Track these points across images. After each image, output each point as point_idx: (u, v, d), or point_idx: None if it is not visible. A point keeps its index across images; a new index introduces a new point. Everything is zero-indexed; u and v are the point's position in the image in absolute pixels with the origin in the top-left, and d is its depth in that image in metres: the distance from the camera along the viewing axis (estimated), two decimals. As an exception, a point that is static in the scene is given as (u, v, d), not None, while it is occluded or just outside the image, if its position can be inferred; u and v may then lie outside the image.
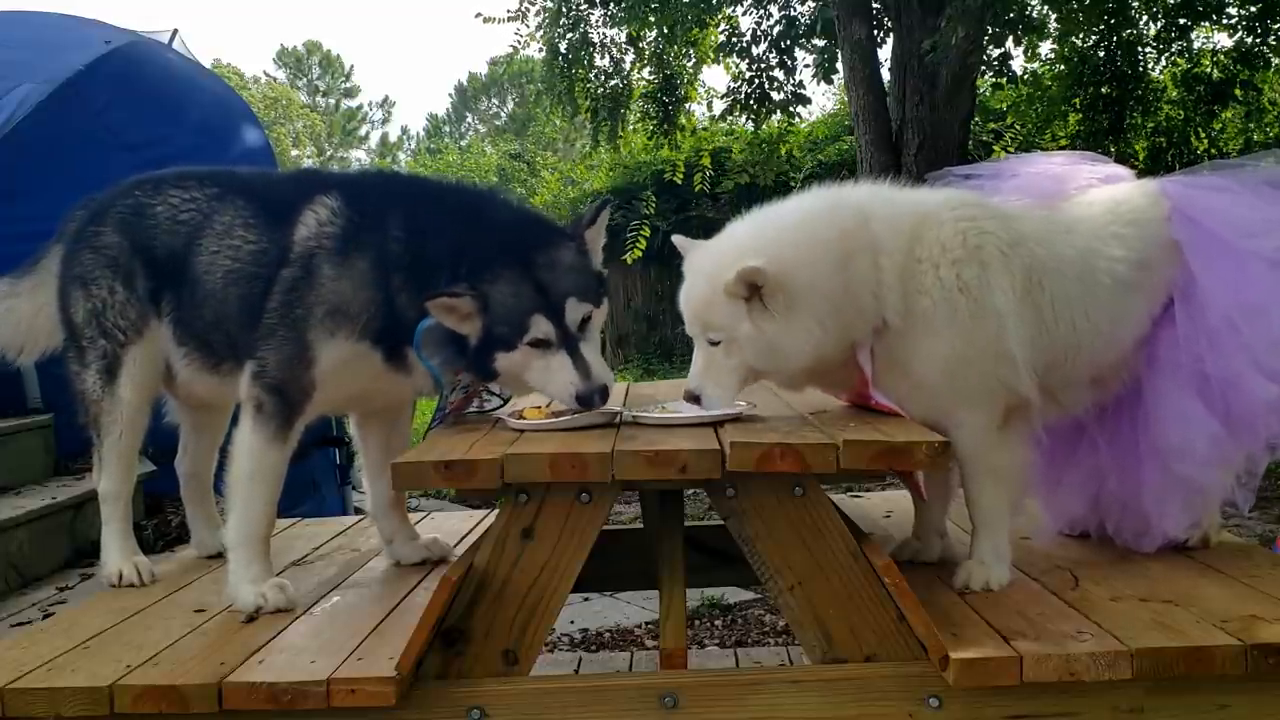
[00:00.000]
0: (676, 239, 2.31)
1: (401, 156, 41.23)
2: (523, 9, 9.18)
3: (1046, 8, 8.39)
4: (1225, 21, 9.20)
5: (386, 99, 48.23)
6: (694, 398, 2.15)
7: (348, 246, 2.23)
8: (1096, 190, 2.38)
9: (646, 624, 3.96)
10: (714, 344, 2.12)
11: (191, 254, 2.38)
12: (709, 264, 2.13)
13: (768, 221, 2.19)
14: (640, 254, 11.32)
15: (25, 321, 2.62)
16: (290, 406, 2.22)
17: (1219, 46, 10.06)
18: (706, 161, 12.00)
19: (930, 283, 2.12)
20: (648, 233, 10.99)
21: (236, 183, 2.47)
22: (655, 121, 9.62)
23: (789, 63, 9.31)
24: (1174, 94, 10.36)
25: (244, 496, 2.23)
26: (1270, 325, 2.19)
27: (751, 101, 9.35)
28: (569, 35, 9.12)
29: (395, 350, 2.24)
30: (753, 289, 2.04)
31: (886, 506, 2.93)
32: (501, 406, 2.47)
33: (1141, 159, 10.17)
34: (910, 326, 2.12)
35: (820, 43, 9.10)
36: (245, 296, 2.29)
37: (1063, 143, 10.68)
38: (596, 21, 9.24)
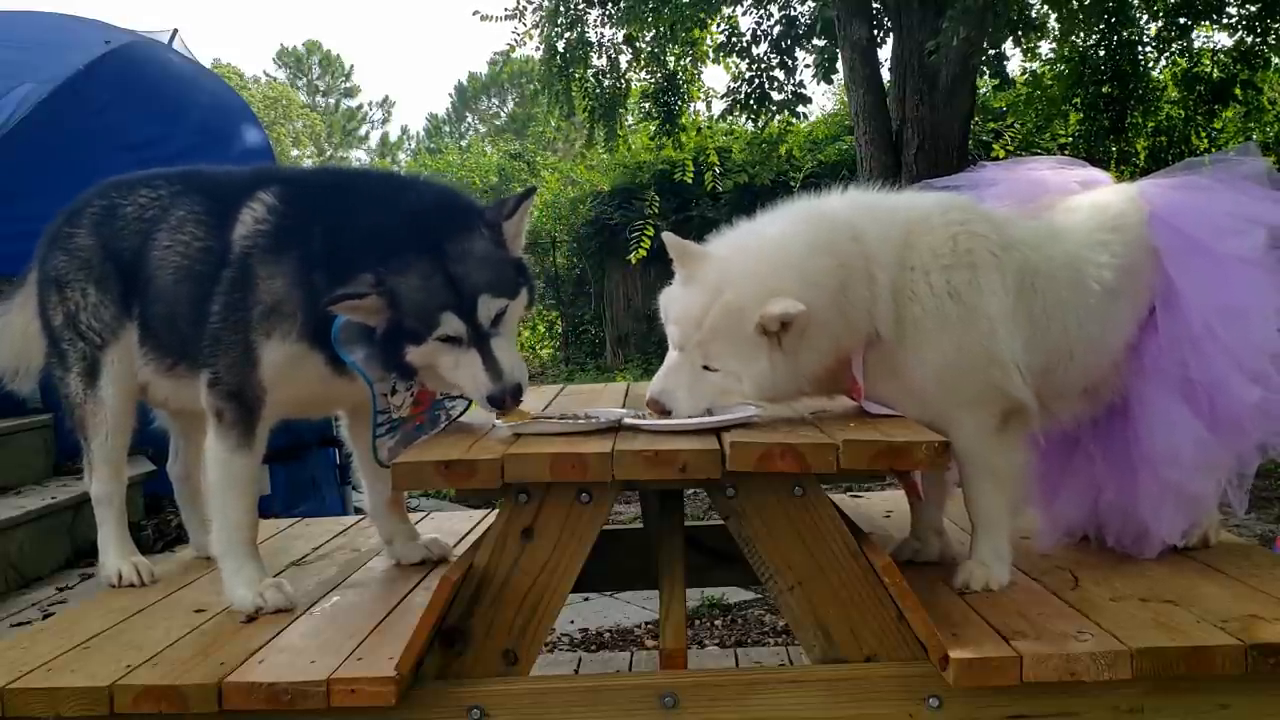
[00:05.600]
0: (668, 238, 2.18)
1: (401, 156, 41.27)
2: (520, 7, 9.17)
3: (1046, 8, 8.39)
4: (1225, 21, 9.20)
5: (386, 99, 48.35)
6: (663, 409, 2.09)
7: (277, 244, 2.19)
8: (1078, 196, 2.38)
9: (646, 624, 3.96)
10: (708, 368, 2.08)
11: (149, 250, 2.36)
12: (730, 294, 2.05)
13: (775, 253, 2.10)
14: (644, 253, 11.32)
15: (19, 338, 2.60)
16: (248, 411, 2.20)
17: (1219, 46, 10.07)
18: (714, 159, 12.00)
19: (921, 290, 2.11)
20: (651, 232, 10.98)
21: (197, 180, 2.44)
22: (658, 121, 9.61)
23: (789, 63, 9.31)
24: (1174, 93, 10.36)
25: (221, 505, 2.23)
26: (1250, 327, 2.19)
27: (751, 101, 9.35)
28: (566, 34, 9.11)
29: (336, 354, 2.18)
30: (782, 327, 2.02)
31: (886, 506, 2.93)
32: (467, 409, 2.39)
33: (1142, 158, 10.17)
34: (902, 334, 2.12)
35: (820, 43, 9.10)
36: (192, 296, 2.27)
37: (1063, 141, 10.68)
38: (594, 21, 9.24)
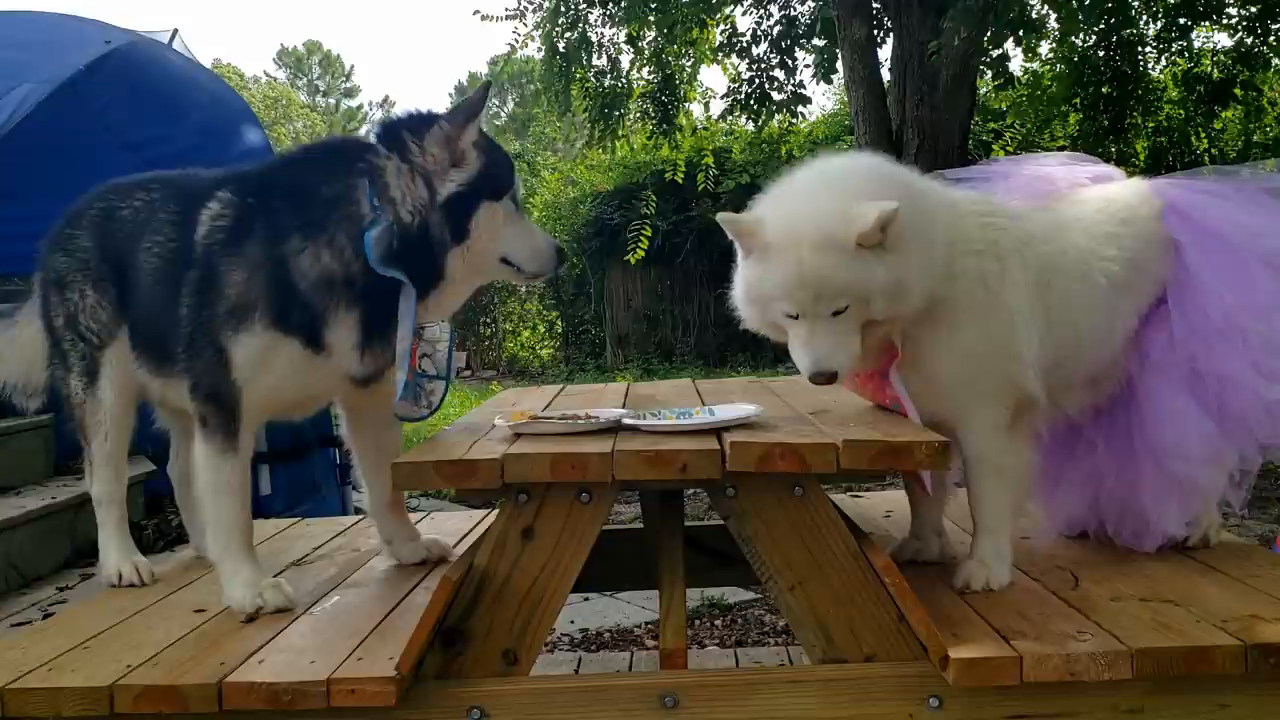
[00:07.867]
0: (723, 218, 2.07)
1: (402, 156, 41.15)
2: (521, 8, 9.16)
3: (1046, 8, 8.39)
4: (1225, 21, 9.21)
5: (386, 99, 48.27)
6: (830, 376, 2.00)
7: (235, 234, 2.18)
8: (1087, 190, 2.38)
9: (646, 624, 3.96)
10: (837, 313, 1.99)
11: (138, 253, 2.37)
12: (817, 233, 1.96)
13: (845, 179, 2.07)
14: (642, 254, 11.32)
15: (29, 350, 2.60)
16: (229, 414, 2.17)
17: (1219, 46, 10.08)
18: (710, 160, 12.01)
19: (958, 268, 2.11)
20: (649, 233, 10.98)
21: (182, 182, 2.44)
22: (654, 121, 9.61)
23: (789, 63, 9.31)
24: (1174, 94, 10.37)
25: (213, 510, 2.22)
26: (1273, 326, 2.19)
27: (752, 102, 9.34)
28: (567, 34, 9.10)
29: (312, 335, 2.15)
30: (883, 233, 1.95)
31: (886, 506, 2.93)
32: (443, 399, 2.33)
33: (1142, 159, 10.18)
34: (930, 315, 2.11)
35: (820, 43, 9.09)
36: (169, 298, 2.26)
37: (1062, 143, 10.69)
38: (595, 21, 9.23)
